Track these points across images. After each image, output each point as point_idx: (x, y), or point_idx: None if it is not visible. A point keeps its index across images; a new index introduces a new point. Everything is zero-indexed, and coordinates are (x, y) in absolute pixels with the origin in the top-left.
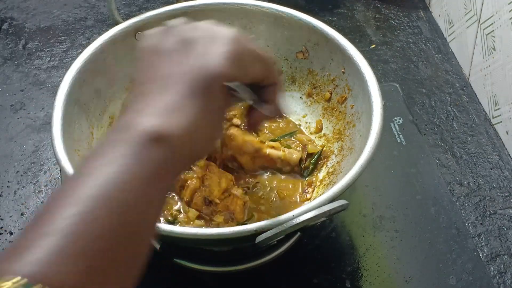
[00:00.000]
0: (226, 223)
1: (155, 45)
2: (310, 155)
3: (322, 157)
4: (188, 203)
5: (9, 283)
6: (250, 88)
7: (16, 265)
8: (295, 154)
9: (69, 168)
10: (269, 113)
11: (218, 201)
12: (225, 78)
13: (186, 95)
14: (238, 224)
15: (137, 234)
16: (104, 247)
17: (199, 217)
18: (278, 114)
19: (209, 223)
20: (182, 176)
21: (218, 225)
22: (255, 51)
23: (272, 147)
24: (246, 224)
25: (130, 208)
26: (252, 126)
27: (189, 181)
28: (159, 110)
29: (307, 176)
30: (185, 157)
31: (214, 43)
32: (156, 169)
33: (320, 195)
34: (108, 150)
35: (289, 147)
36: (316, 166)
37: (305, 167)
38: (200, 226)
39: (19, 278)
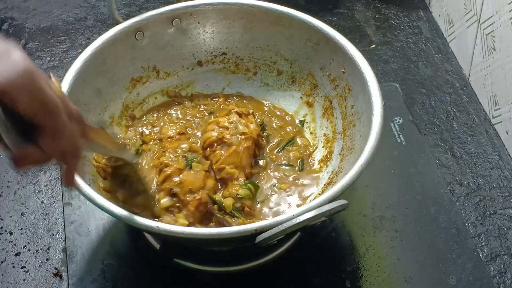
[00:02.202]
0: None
1: None
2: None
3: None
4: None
5: None
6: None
7: None
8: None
9: None
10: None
11: (182, 197)
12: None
13: None
14: (189, 224)
15: None
16: None
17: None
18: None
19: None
20: (164, 160)
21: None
22: (40, 85)
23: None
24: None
25: None
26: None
27: (166, 168)
28: None
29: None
30: None
31: (3, 58)
32: None
33: (320, 195)
34: None
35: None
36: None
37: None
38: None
39: None
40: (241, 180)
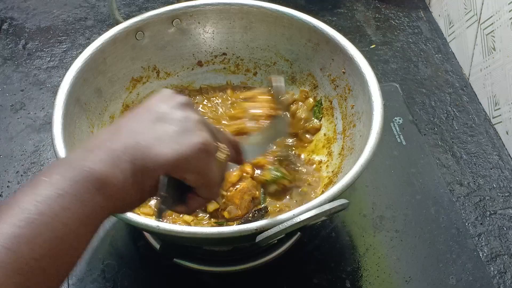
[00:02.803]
0: (232, 217)
1: (151, 104)
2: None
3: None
4: None
5: None
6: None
7: None
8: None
9: None
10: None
11: (224, 192)
12: (165, 171)
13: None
14: (258, 210)
15: (64, 263)
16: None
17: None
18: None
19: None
20: None
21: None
22: (210, 164)
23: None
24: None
25: (63, 242)
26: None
27: None
28: (107, 158)
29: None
30: (116, 208)
31: (185, 135)
32: (93, 213)
33: (321, 195)
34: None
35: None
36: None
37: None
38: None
39: None
40: (271, 162)
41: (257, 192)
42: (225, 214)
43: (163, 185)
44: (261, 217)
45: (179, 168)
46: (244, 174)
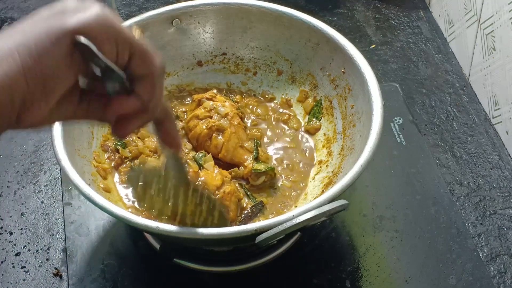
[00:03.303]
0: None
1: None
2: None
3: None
4: None
5: None
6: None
7: None
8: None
9: (69, 168)
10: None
11: (213, 196)
12: (81, 32)
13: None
14: (255, 205)
15: None
16: None
17: None
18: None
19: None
20: None
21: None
22: (120, 27)
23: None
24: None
25: None
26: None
27: None
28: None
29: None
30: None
31: (83, 6)
32: None
33: (320, 195)
34: None
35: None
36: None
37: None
38: None
39: None
40: (249, 159)
41: (241, 194)
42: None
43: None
44: (259, 211)
45: (93, 32)
46: (225, 178)
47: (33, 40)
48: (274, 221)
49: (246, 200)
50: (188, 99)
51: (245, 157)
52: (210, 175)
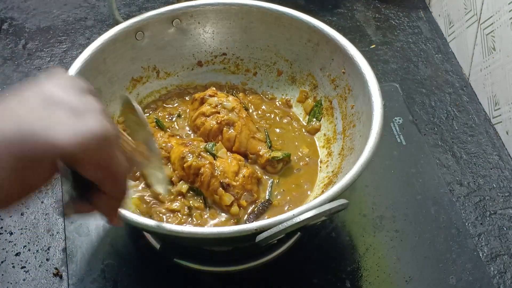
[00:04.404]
0: (249, 204)
1: (42, 88)
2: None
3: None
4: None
5: None
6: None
7: None
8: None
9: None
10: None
11: (235, 183)
12: (63, 157)
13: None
14: (262, 203)
15: None
16: None
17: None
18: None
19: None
20: (194, 163)
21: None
22: (111, 154)
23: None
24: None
25: None
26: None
27: (202, 169)
28: None
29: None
30: None
31: (82, 120)
32: None
33: (320, 195)
34: None
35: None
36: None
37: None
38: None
39: None
40: (263, 148)
41: (259, 173)
42: (243, 203)
43: (66, 175)
44: (266, 209)
45: (77, 158)
46: (240, 162)
47: (18, 147)
48: (274, 221)
49: (265, 177)
50: (187, 97)
51: (259, 147)
52: (226, 163)
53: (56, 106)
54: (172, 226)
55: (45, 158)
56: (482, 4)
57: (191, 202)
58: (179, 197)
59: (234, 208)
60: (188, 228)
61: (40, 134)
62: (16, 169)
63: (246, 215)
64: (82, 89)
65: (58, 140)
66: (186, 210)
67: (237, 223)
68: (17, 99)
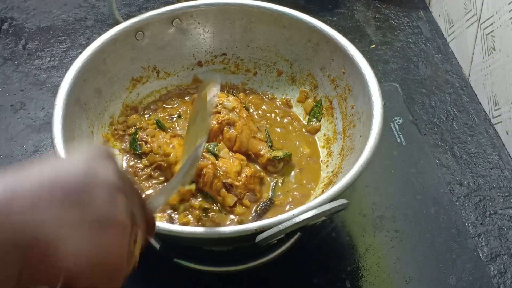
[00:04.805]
0: (253, 203)
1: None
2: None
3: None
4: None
5: None
6: None
7: None
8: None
9: None
10: None
11: (237, 183)
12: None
13: None
14: (265, 202)
15: None
16: None
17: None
18: None
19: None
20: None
21: (245, 210)
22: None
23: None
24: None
25: None
26: None
27: (204, 169)
28: None
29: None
30: None
31: (100, 233)
32: None
33: (320, 195)
34: None
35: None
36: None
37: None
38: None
39: None
40: (263, 148)
41: (261, 172)
42: (246, 203)
43: None
44: (268, 208)
45: (76, 283)
46: (242, 162)
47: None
48: (274, 221)
49: (268, 178)
50: (187, 98)
51: (260, 147)
52: (228, 163)
53: (77, 204)
54: (172, 226)
55: (50, 276)
56: (482, 4)
57: (203, 205)
58: (191, 209)
59: (239, 209)
60: (188, 228)
61: (51, 247)
62: (18, 282)
63: (251, 216)
64: (114, 184)
65: (69, 257)
66: (202, 212)
67: (241, 223)
68: (36, 187)
